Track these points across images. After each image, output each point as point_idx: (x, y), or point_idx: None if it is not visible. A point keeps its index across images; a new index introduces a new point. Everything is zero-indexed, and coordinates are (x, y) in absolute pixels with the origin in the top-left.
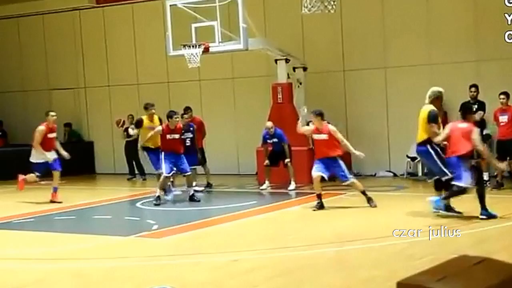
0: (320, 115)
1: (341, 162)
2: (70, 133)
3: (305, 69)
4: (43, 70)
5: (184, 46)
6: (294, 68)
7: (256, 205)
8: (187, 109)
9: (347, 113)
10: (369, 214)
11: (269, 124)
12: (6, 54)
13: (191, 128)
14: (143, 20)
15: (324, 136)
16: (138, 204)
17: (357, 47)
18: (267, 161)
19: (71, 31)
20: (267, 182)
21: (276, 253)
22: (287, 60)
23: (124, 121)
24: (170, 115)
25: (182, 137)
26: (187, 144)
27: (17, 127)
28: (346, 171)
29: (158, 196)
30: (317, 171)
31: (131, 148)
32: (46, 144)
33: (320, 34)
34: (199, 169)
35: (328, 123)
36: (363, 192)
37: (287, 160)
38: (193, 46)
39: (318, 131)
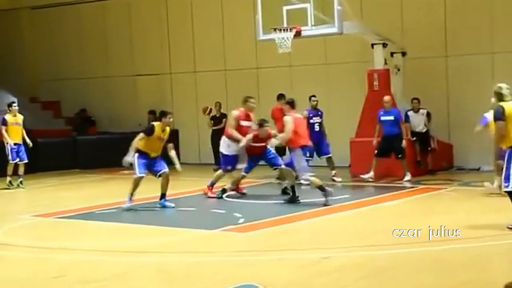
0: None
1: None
2: (154, 121)
3: (404, 54)
4: (128, 56)
5: (275, 30)
6: (392, 53)
7: (348, 200)
8: (281, 96)
9: (449, 102)
10: (470, 211)
11: (387, 98)
12: (91, 39)
13: (319, 113)
14: (231, 3)
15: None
16: (224, 196)
17: (462, 30)
18: (374, 142)
19: (157, 15)
20: (371, 172)
21: (368, 251)
22: (384, 45)
23: (211, 109)
24: (261, 123)
25: (310, 121)
26: (316, 130)
27: (101, 114)
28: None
29: (224, 189)
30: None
31: (218, 137)
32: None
33: (421, 16)
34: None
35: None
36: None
37: (404, 143)
38: (284, 30)
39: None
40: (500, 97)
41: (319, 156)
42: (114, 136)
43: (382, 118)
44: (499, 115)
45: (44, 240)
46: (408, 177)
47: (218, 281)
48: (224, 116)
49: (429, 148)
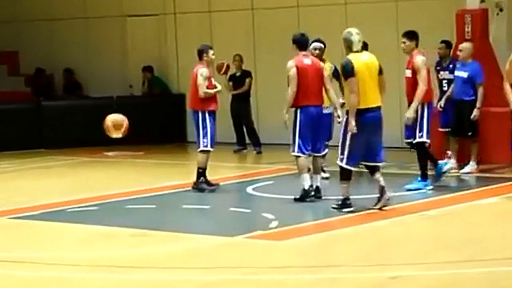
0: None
1: None
2: (151, 82)
3: None
4: None
5: None
6: None
7: (426, 196)
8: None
9: None
10: None
11: (466, 45)
12: None
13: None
14: None
15: None
16: (249, 189)
17: None
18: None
19: None
20: (452, 159)
21: (454, 269)
22: None
23: (228, 66)
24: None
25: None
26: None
27: (76, 71)
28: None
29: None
30: None
31: (240, 105)
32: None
33: None
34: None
35: None
36: None
37: (474, 113)
38: None
39: None
40: (349, 45)
41: None
42: (95, 102)
43: (456, 73)
44: (349, 71)
45: None
46: (471, 167)
47: None
48: (247, 74)
49: None
